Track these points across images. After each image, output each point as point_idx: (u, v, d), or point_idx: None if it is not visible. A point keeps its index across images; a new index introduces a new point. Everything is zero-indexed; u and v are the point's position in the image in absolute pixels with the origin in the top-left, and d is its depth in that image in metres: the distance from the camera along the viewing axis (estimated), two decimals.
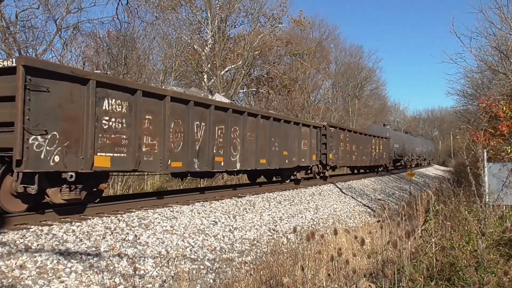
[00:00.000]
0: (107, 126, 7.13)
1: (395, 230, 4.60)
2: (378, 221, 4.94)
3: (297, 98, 31.76)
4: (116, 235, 6.49)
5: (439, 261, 4.64)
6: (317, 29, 42.06)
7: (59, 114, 6.36)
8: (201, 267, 6.33)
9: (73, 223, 6.54)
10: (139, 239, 6.62)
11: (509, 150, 10.20)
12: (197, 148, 9.46)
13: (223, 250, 7.26)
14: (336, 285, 3.87)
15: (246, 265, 6.79)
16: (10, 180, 6.41)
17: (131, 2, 20.04)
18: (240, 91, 30.14)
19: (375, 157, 24.61)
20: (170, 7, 24.60)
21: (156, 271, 5.72)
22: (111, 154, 7.22)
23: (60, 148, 6.35)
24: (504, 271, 3.82)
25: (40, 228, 6.10)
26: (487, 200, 6.75)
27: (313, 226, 10.53)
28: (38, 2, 19.03)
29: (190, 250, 6.80)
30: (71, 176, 6.51)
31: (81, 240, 6.00)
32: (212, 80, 25.66)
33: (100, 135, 6.99)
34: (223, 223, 8.56)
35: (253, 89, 31.99)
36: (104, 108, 7.08)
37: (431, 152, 51.39)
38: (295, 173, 15.08)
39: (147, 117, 7.99)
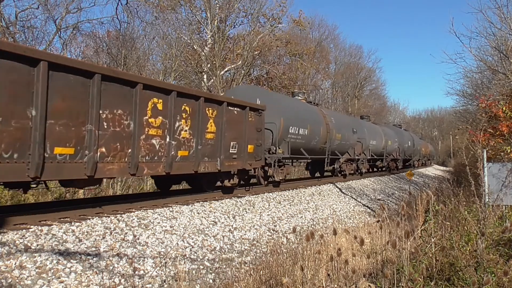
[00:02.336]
0: None
1: (394, 230, 4.61)
2: (378, 221, 4.95)
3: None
4: (116, 235, 6.49)
5: (439, 261, 4.64)
6: (316, 29, 42.20)
7: None
8: (201, 267, 6.33)
9: (73, 223, 6.53)
10: (138, 239, 6.62)
11: (508, 150, 10.21)
12: None
13: (223, 250, 7.26)
14: (335, 285, 3.87)
15: (246, 265, 6.79)
16: None
17: (131, 2, 20.07)
18: None
19: (189, 150, 9.22)
20: (169, 7, 24.60)
21: (156, 271, 5.72)
22: None
23: None
24: (503, 271, 3.83)
25: (39, 228, 6.10)
26: (487, 200, 6.75)
27: (312, 226, 10.53)
28: (38, 2, 19.05)
29: (190, 250, 6.80)
30: None
31: (80, 240, 6.00)
32: (212, 80, 25.66)
33: None
34: (222, 223, 8.56)
35: None
36: None
37: (415, 150, 36.85)
38: None
39: None
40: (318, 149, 16.70)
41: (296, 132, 14.47)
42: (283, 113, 13.65)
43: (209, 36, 25.93)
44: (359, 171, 21.77)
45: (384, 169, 28.03)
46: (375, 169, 27.94)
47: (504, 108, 11.29)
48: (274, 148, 13.11)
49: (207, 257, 6.75)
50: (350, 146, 20.08)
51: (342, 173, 19.84)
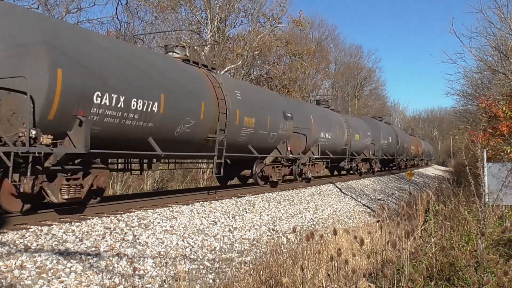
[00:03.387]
0: None
1: (394, 230, 4.61)
2: (378, 221, 4.95)
3: (297, 98, 31.78)
4: (116, 235, 6.49)
5: (439, 261, 4.64)
6: (316, 29, 42.23)
7: None
8: (201, 267, 6.33)
9: (73, 223, 6.53)
10: (138, 239, 6.62)
11: (508, 150, 10.21)
12: None
13: (223, 250, 7.26)
14: (335, 285, 3.87)
15: (246, 265, 6.79)
16: None
17: (131, 2, 20.05)
18: None
19: None
20: (169, 7, 24.60)
21: (156, 271, 5.72)
22: None
23: None
24: (503, 271, 3.83)
25: (39, 228, 6.10)
26: (487, 200, 6.75)
27: (312, 226, 10.53)
28: (38, 2, 19.02)
29: (190, 250, 6.80)
30: None
31: (80, 240, 6.00)
32: None
33: None
34: (222, 223, 8.56)
35: None
36: None
37: (400, 148, 29.72)
38: None
39: None
40: (198, 141, 9.80)
41: (118, 105, 7.27)
42: (62, 58, 6.50)
43: (209, 36, 25.93)
44: (304, 175, 15.42)
45: (351, 172, 21.89)
46: (343, 172, 22.36)
47: (504, 108, 11.29)
48: (30, 133, 5.96)
49: (207, 257, 6.75)
50: (279, 139, 13.25)
51: (270, 180, 13.32)
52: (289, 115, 13.86)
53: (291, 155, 13.97)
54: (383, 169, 28.56)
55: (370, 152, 23.04)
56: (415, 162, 38.96)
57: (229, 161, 11.58)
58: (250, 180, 14.51)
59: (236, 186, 13.90)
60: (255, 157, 12.33)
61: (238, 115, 10.98)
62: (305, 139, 15.06)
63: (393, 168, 30.24)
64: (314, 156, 15.85)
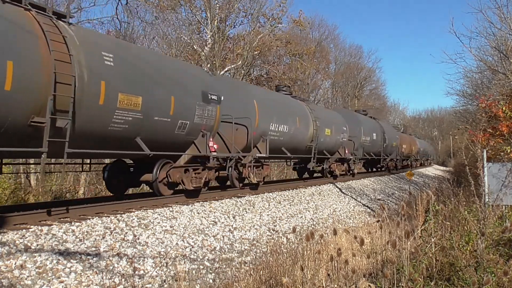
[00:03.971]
0: None
1: (394, 230, 4.61)
2: (378, 221, 4.95)
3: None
4: (116, 235, 6.49)
5: (439, 261, 4.64)
6: (316, 29, 42.27)
7: None
8: (201, 267, 6.33)
9: (73, 223, 6.53)
10: (138, 239, 6.62)
11: (508, 150, 10.21)
12: None
13: (223, 250, 7.26)
14: (335, 285, 3.87)
15: (246, 265, 6.79)
16: None
17: (131, 2, 20.06)
18: None
19: None
20: (169, 7, 24.61)
21: (156, 271, 5.72)
22: None
23: None
24: (503, 271, 3.83)
25: (39, 228, 6.10)
26: (487, 200, 6.75)
27: (312, 226, 10.53)
28: None
29: (190, 250, 6.80)
30: None
31: (80, 240, 6.00)
32: None
33: None
34: (222, 223, 8.56)
35: None
36: None
37: (387, 147, 26.33)
38: None
39: None
40: (15, 130, 5.99)
41: None
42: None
43: (209, 36, 25.92)
44: (246, 180, 12.20)
45: (326, 175, 18.23)
46: (316, 176, 18.78)
47: (504, 108, 11.29)
48: None
49: (207, 257, 6.75)
50: (197, 131, 9.68)
51: (183, 187, 9.66)
52: (214, 97, 10.03)
53: (214, 153, 10.05)
54: (369, 170, 25.51)
55: (347, 151, 19.13)
56: (408, 163, 34.91)
57: (132, 161, 8.74)
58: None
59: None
60: (144, 155, 8.19)
61: (104, 90, 6.99)
62: (246, 132, 11.41)
63: (382, 169, 26.42)
64: (258, 155, 12.11)
